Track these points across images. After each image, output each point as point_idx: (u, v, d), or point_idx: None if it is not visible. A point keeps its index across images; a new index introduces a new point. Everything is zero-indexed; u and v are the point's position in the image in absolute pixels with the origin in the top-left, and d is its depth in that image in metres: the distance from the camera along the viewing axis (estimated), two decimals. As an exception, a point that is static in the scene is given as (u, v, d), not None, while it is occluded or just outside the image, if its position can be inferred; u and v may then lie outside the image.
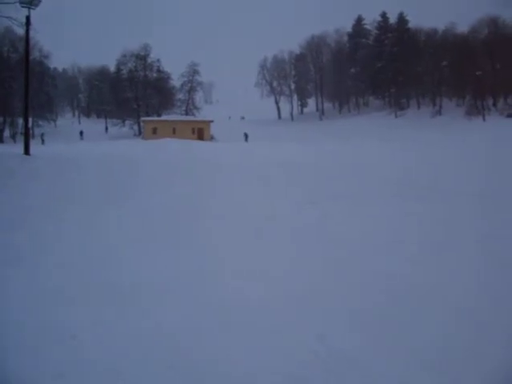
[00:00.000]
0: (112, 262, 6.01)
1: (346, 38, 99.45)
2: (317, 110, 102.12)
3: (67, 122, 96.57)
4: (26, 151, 18.72)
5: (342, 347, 3.89)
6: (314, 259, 6.20)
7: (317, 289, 5.14)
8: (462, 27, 77.39)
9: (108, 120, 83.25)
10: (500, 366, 3.62)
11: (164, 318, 4.39)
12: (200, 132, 60.17)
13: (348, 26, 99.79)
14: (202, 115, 77.64)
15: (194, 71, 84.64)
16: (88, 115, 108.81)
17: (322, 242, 7.07)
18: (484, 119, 60.24)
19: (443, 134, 47.33)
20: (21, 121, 57.96)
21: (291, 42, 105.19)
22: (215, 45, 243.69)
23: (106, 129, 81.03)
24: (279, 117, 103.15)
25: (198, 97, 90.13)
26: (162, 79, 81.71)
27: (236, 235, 7.45)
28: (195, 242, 6.99)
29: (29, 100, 21.19)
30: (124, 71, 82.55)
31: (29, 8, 19.07)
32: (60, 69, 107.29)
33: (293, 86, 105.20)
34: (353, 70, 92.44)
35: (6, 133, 68.14)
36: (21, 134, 54.27)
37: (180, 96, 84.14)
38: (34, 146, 24.34)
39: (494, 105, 66.24)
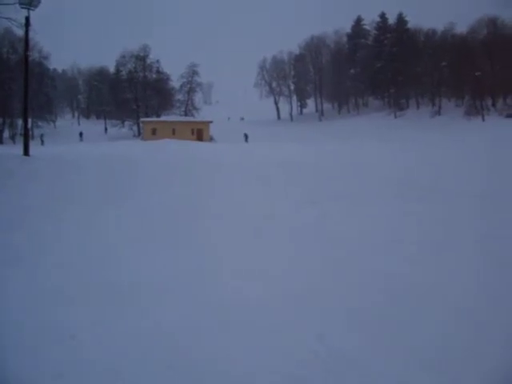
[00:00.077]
0: (111, 261, 6.01)
1: (345, 39, 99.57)
2: (316, 110, 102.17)
3: (67, 122, 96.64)
4: (26, 152, 18.70)
5: (340, 347, 3.89)
6: (313, 259, 6.20)
7: (316, 288, 5.14)
8: (461, 27, 77.67)
9: (107, 121, 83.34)
10: (499, 366, 3.62)
11: (163, 317, 4.40)
12: (199, 133, 60.17)
13: (347, 26, 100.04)
14: (201, 116, 77.66)
15: (193, 72, 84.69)
16: (87, 116, 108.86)
17: (321, 242, 7.07)
18: (483, 119, 60.30)
19: (442, 134, 47.36)
20: (20, 122, 57.95)
21: (290, 43, 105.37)
22: (215, 45, 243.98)
23: (106, 130, 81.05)
24: (278, 117, 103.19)
25: (198, 98, 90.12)
26: (162, 80, 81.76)
27: (235, 235, 7.45)
28: (194, 242, 7.00)
29: (28, 101, 21.17)
30: (123, 72, 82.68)
31: (28, 9, 19.05)
32: (59, 70, 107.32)
33: (292, 87, 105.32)
34: (352, 71, 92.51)
35: (6, 134, 68.25)
36: (20, 134, 54.41)
37: (179, 97, 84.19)
38: (34, 146, 24.31)
39: (493, 105, 66.30)
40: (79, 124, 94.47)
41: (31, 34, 21.10)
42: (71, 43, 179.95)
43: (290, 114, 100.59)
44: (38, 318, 4.33)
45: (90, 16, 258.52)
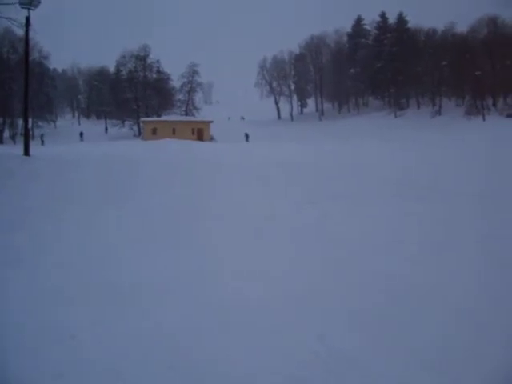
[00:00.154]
0: (111, 262, 6.01)
1: (345, 39, 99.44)
2: (316, 110, 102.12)
3: (67, 122, 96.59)
4: (26, 152, 18.72)
5: (341, 347, 3.89)
6: (314, 259, 6.20)
7: (316, 289, 5.14)
8: (462, 27, 77.51)
9: (108, 121, 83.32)
10: (500, 366, 3.61)
11: (164, 318, 4.39)
12: (200, 132, 60.16)
13: (347, 26, 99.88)
14: (201, 116, 77.60)
15: (193, 72, 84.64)
16: (88, 116, 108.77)
17: (322, 242, 7.07)
18: (484, 119, 60.26)
19: (443, 133, 47.31)
20: (20, 122, 57.97)
21: (291, 43, 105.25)
22: (215, 45, 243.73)
23: (106, 129, 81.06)
24: (279, 117, 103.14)
25: (198, 97, 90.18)
26: (162, 80, 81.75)
27: (235, 235, 7.45)
28: (195, 243, 6.99)
29: (28, 101, 21.19)
30: (124, 72, 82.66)
31: (28, 9, 19.08)
32: (60, 69, 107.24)
33: (292, 87, 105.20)
34: (352, 71, 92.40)
35: (6, 134, 68.25)
36: (20, 134, 54.35)
37: (180, 97, 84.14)
38: (34, 146, 24.32)
39: (494, 105, 66.25)
40: (79, 124, 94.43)
41: (31, 34, 21.16)
42: (71, 43, 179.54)
43: (291, 114, 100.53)
44: (38, 318, 4.33)
45: (90, 16, 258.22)
